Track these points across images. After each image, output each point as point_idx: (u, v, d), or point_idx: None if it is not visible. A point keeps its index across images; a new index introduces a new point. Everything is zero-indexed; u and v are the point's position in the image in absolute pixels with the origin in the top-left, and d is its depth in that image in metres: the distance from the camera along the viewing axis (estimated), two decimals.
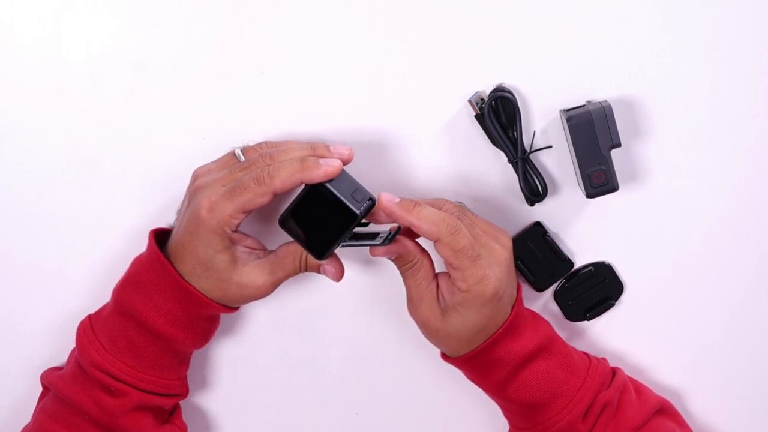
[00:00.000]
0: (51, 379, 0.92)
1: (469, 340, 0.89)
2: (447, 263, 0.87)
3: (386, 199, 0.86)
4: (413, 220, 0.86)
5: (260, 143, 0.92)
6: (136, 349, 0.90)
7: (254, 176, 0.86)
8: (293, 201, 0.88)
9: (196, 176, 0.92)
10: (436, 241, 0.86)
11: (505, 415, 0.95)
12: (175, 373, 0.94)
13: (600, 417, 0.89)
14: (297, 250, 0.90)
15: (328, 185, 0.86)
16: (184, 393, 0.95)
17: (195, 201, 0.88)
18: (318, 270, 0.91)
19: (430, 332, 0.90)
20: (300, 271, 0.91)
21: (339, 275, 0.90)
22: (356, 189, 0.87)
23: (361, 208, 0.86)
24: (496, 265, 0.87)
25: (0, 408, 1.00)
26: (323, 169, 0.86)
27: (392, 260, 0.90)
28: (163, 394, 0.92)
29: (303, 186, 0.87)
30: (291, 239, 0.89)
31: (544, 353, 0.91)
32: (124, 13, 0.95)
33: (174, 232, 0.91)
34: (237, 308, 0.93)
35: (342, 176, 0.87)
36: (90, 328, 0.92)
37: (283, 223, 0.88)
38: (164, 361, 0.92)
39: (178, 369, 0.94)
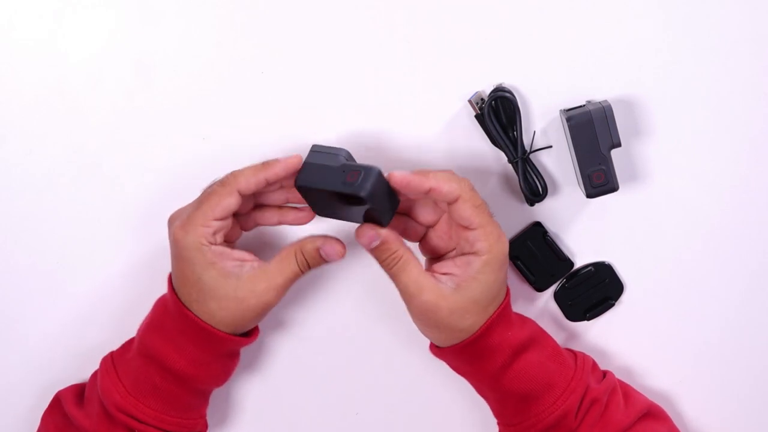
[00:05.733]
0: (76, 417, 0.92)
1: (485, 309, 0.88)
2: (466, 224, 0.86)
3: (399, 174, 0.85)
4: (432, 183, 0.85)
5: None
6: (159, 392, 0.90)
7: (219, 181, 0.88)
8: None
9: None
10: (455, 201, 0.86)
11: (496, 412, 0.94)
12: (197, 411, 0.94)
13: (588, 414, 0.89)
14: (292, 249, 0.89)
15: (318, 185, 0.85)
16: (203, 429, 0.95)
17: (170, 229, 0.88)
18: (319, 258, 0.89)
19: (440, 318, 0.87)
20: (302, 269, 0.89)
21: (340, 251, 0.88)
22: (344, 171, 0.85)
23: (365, 186, 0.84)
24: (503, 232, 0.88)
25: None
26: (282, 163, 0.87)
27: (378, 252, 0.88)
28: None
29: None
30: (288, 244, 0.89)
31: (535, 344, 0.91)
32: (124, 12, 0.95)
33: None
34: (253, 337, 0.92)
35: (325, 169, 0.86)
36: (113, 368, 0.91)
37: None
38: (186, 401, 0.92)
39: (199, 408, 0.94)
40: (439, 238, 0.91)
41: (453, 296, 0.87)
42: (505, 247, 0.88)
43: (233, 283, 0.87)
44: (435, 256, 0.91)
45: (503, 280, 0.89)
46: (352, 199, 0.85)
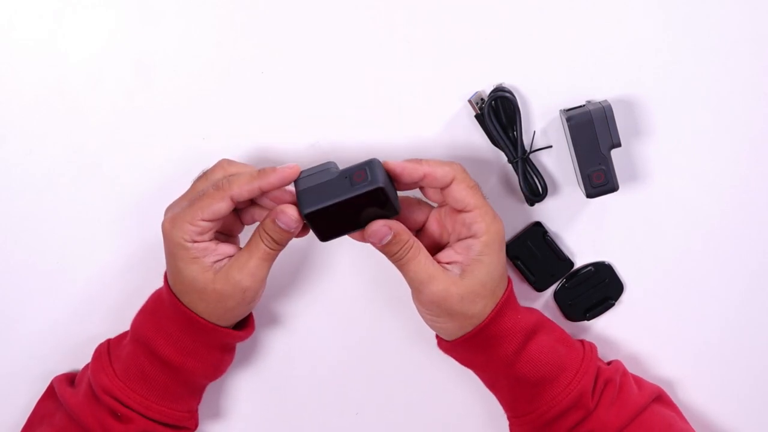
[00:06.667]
0: (64, 395, 0.92)
1: (493, 292, 0.88)
2: (462, 206, 0.87)
3: (394, 162, 0.87)
4: (426, 169, 0.87)
5: (221, 159, 0.90)
6: (146, 378, 0.90)
7: (214, 183, 0.87)
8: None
9: None
10: (450, 184, 0.87)
11: (507, 404, 0.94)
12: (185, 404, 0.93)
13: (604, 394, 0.90)
14: (257, 229, 0.88)
15: (330, 201, 0.85)
16: (192, 427, 0.95)
17: (164, 217, 0.89)
18: (279, 230, 0.87)
19: (452, 305, 0.88)
20: (269, 246, 0.87)
21: (292, 215, 0.86)
22: (348, 175, 0.85)
23: (378, 178, 0.84)
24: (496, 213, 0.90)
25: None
26: (278, 173, 0.86)
27: (388, 248, 0.88)
28: (170, 425, 0.92)
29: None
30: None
31: (543, 328, 0.91)
32: (124, 12, 0.95)
33: None
34: (245, 332, 0.93)
35: (334, 182, 0.86)
36: (106, 353, 0.92)
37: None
38: (174, 391, 0.91)
39: (188, 400, 0.94)
40: (429, 237, 0.91)
41: (461, 282, 0.87)
42: (502, 227, 0.89)
43: (211, 276, 0.87)
44: (433, 248, 0.91)
45: (504, 261, 0.90)
46: (363, 201, 0.85)
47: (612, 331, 0.99)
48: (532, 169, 0.95)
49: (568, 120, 0.91)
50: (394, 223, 0.87)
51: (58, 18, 0.95)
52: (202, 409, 0.97)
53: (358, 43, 0.95)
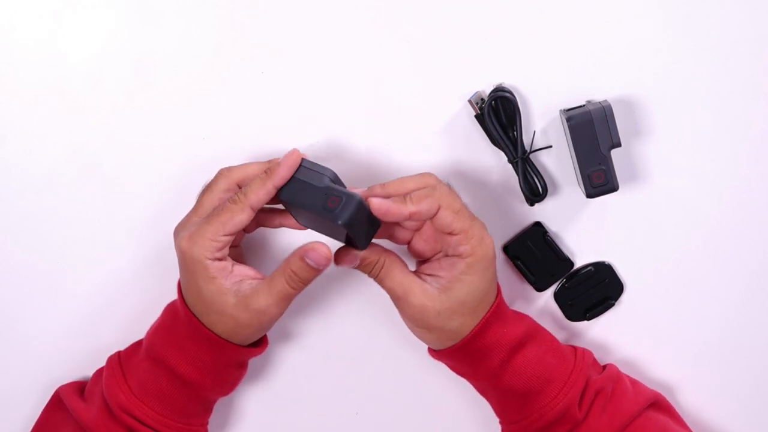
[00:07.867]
0: (76, 408, 0.92)
1: (473, 311, 0.88)
2: (448, 230, 0.87)
3: (377, 202, 0.85)
4: (411, 208, 0.86)
5: (220, 170, 0.90)
6: (165, 396, 0.90)
7: (230, 198, 0.87)
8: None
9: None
10: (436, 212, 0.86)
11: (498, 411, 0.94)
12: (200, 419, 0.94)
13: (594, 403, 0.90)
14: (282, 267, 0.87)
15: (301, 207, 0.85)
16: None
17: (176, 239, 0.88)
18: (308, 268, 0.86)
19: (428, 319, 0.88)
20: (293, 286, 0.87)
21: (325, 254, 0.86)
22: (327, 197, 0.85)
23: (343, 215, 0.84)
24: (486, 232, 0.88)
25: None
26: (285, 165, 0.86)
27: (360, 268, 0.88)
28: None
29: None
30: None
31: (532, 340, 0.91)
32: (124, 12, 0.95)
33: None
34: (261, 348, 0.93)
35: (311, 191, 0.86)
36: (119, 368, 0.92)
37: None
38: (191, 409, 0.92)
39: (203, 416, 0.94)
40: (425, 241, 0.91)
41: (439, 297, 0.87)
42: (489, 249, 0.88)
43: (230, 300, 0.87)
44: (423, 259, 0.92)
45: (490, 280, 0.89)
46: (332, 222, 0.85)
47: (612, 331, 0.99)
48: (532, 169, 0.95)
49: (568, 120, 0.91)
50: (359, 252, 0.87)
51: (58, 18, 0.96)
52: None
53: (358, 43, 0.95)
